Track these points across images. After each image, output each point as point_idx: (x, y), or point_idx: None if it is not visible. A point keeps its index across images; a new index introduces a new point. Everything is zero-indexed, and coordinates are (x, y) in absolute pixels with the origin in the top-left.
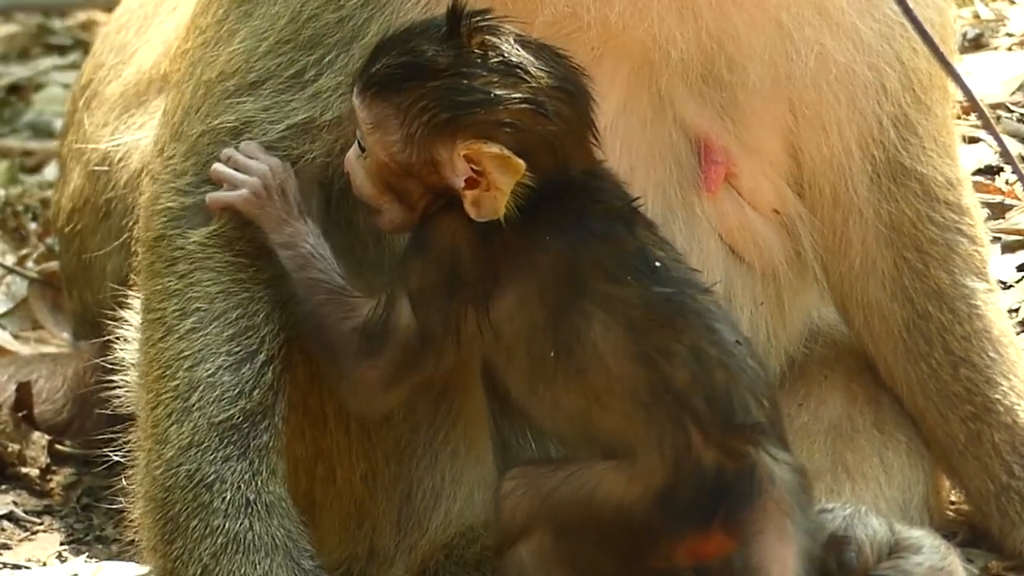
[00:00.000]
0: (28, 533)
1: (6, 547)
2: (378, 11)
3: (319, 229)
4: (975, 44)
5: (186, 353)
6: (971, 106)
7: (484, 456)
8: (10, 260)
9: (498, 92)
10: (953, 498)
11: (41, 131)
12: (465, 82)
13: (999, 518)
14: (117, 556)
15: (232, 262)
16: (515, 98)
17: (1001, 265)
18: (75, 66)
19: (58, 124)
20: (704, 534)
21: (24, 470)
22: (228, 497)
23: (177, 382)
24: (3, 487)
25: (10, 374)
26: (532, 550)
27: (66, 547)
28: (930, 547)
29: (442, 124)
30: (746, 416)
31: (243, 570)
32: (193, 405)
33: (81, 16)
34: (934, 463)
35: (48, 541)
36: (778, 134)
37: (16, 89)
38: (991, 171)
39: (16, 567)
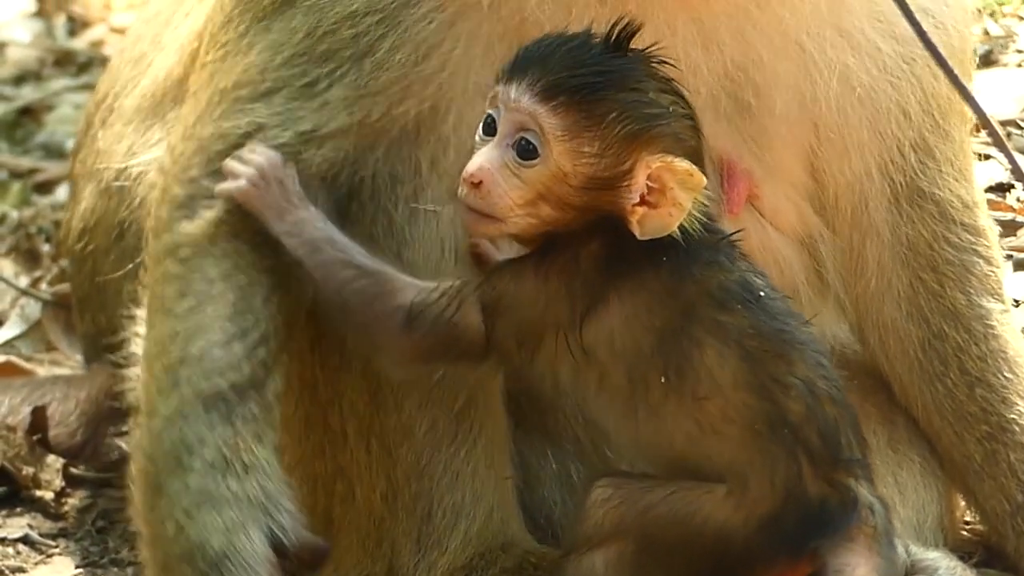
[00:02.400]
0: (43, 556)
1: (21, 570)
2: (391, 29)
3: (324, 216)
4: (985, 61)
5: (180, 331)
6: (982, 124)
7: (504, 475)
8: (23, 282)
9: (667, 104)
10: (968, 518)
11: (53, 152)
12: (644, 95)
13: (1015, 538)
14: None
15: (234, 248)
16: (684, 113)
17: (1013, 283)
18: (88, 87)
19: (71, 145)
20: (796, 562)
21: (39, 493)
22: (206, 458)
23: (170, 358)
24: (18, 510)
25: (24, 396)
26: (610, 559)
27: (81, 570)
28: (946, 568)
29: (634, 135)
30: (850, 451)
31: (211, 523)
32: (182, 378)
33: (93, 36)
34: (949, 483)
35: (63, 564)
36: (800, 156)
37: (28, 110)
38: (1002, 188)
39: None
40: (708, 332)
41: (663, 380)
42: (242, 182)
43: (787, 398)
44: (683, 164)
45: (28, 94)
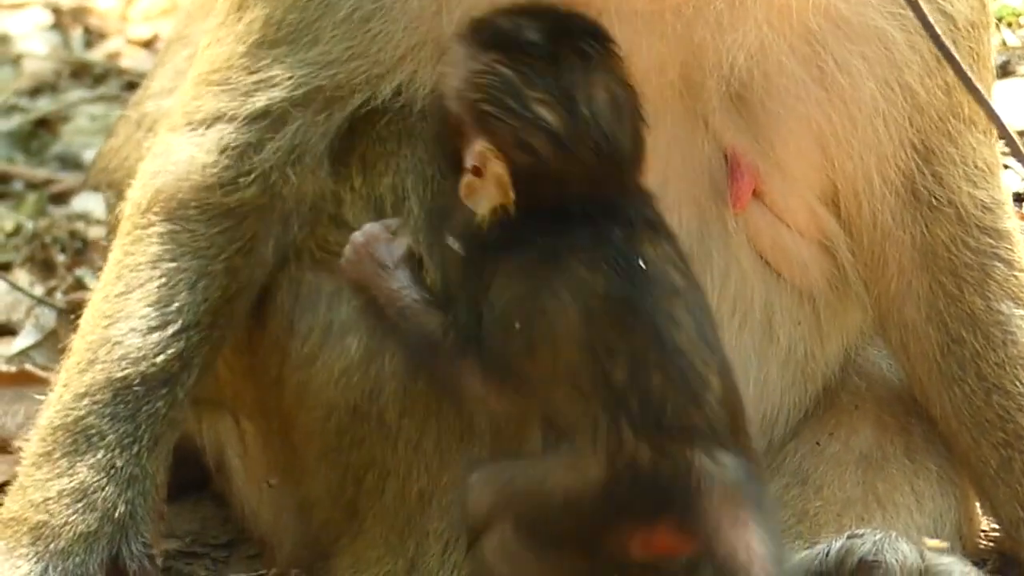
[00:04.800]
0: None
1: None
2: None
3: (412, 278)
4: (1002, 71)
5: (108, 314)
6: (997, 130)
7: None
8: (38, 291)
9: (539, 111)
10: (984, 526)
11: (69, 163)
12: (522, 89)
13: None
14: None
15: (167, 231)
16: (549, 127)
17: None
18: (104, 98)
19: (87, 156)
20: (650, 529)
21: None
22: (98, 456)
23: (93, 337)
24: None
25: (38, 405)
26: (494, 544)
27: None
28: (959, 573)
29: (480, 113)
30: (682, 419)
31: (75, 520)
32: (98, 359)
33: (110, 48)
34: (966, 490)
35: None
36: (807, 154)
37: (44, 121)
38: (1019, 198)
39: None
40: (566, 287)
41: (517, 326)
42: (341, 260)
43: (611, 363)
44: (498, 168)
45: (44, 106)
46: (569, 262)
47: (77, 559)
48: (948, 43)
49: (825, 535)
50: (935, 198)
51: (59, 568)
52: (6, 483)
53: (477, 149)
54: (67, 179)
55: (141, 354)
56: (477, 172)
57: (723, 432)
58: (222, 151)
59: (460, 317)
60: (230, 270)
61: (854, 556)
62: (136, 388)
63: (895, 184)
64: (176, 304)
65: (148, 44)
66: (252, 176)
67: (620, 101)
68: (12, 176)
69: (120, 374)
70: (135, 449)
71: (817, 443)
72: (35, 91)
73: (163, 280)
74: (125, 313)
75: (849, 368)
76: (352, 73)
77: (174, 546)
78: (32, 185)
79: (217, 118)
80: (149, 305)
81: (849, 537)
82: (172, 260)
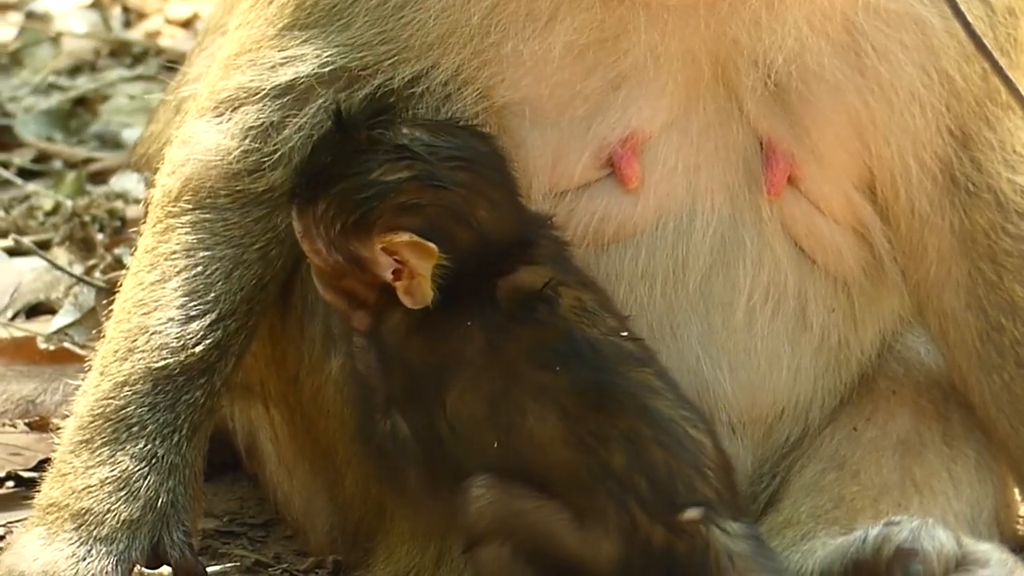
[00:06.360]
0: None
1: None
2: None
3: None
4: None
5: (144, 302)
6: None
7: None
8: (77, 270)
9: (391, 178)
10: (1023, 512)
11: (108, 142)
12: (361, 179)
13: None
14: None
15: (199, 219)
16: (407, 178)
17: None
18: (142, 77)
19: (125, 135)
20: None
21: None
22: (141, 445)
23: (130, 326)
24: None
25: (77, 384)
26: (491, 557)
27: None
28: (997, 561)
29: (352, 226)
30: (691, 494)
31: (118, 508)
32: (137, 347)
33: (149, 27)
34: (1004, 476)
35: None
36: (842, 141)
37: (83, 100)
38: None
39: None
40: (529, 395)
41: (496, 446)
42: None
43: (607, 451)
44: (403, 237)
45: (83, 84)
46: (520, 371)
47: (120, 545)
48: (986, 29)
49: (862, 520)
50: (973, 184)
51: (102, 552)
52: (46, 460)
53: (377, 249)
54: (106, 158)
55: (180, 344)
56: (397, 273)
57: (727, 497)
58: (245, 134)
59: (400, 431)
60: (265, 258)
61: (891, 543)
62: (176, 378)
63: (933, 170)
64: (213, 293)
65: (187, 24)
66: (275, 157)
67: (438, 124)
68: (51, 155)
69: (159, 364)
70: (175, 438)
71: (854, 428)
72: (74, 70)
73: (199, 269)
74: (162, 302)
75: (886, 354)
76: (380, 57)
77: (212, 525)
78: (71, 164)
79: (242, 96)
80: (186, 295)
81: (886, 524)
82: (207, 249)
